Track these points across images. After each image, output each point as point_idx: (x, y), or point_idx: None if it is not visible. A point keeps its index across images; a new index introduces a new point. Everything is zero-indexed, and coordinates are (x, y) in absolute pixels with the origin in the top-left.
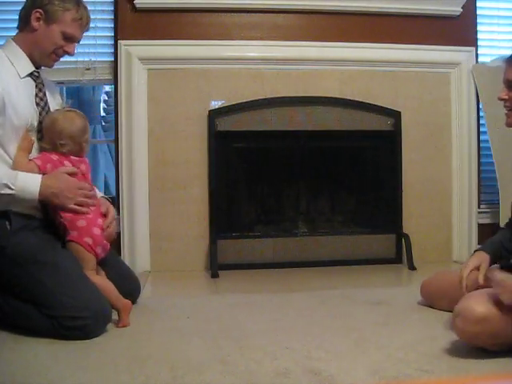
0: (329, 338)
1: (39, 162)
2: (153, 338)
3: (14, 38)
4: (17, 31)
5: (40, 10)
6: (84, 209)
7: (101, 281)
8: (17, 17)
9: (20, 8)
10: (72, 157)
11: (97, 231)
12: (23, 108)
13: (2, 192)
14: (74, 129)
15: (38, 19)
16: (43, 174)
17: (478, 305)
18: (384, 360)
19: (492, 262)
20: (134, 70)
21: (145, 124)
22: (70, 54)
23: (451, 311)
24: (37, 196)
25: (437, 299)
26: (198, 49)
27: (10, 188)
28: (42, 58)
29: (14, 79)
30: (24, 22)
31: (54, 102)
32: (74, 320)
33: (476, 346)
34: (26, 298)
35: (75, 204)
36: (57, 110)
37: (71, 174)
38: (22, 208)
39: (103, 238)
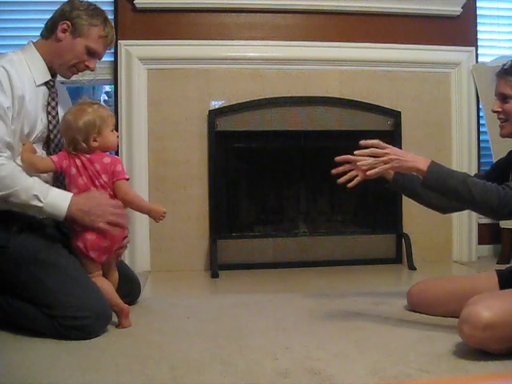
0: (329, 337)
1: (56, 158)
2: (153, 338)
3: (36, 44)
4: (39, 38)
5: (68, 22)
6: (116, 229)
7: (99, 283)
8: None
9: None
10: (83, 155)
11: (90, 236)
12: (34, 117)
13: (32, 203)
14: (80, 124)
15: (65, 31)
16: (61, 173)
17: (486, 310)
18: (384, 360)
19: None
20: (134, 70)
21: (145, 124)
22: (91, 69)
23: (445, 316)
24: (64, 213)
25: (430, 306)
26: (198, 49)
27: (39, 200)
28: (61, 69)
29: (30, 86)
30: (49, 31)
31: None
32: (75, 320)
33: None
34: (26, 298)
35: (106, 223)
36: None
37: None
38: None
39: (101, 242)
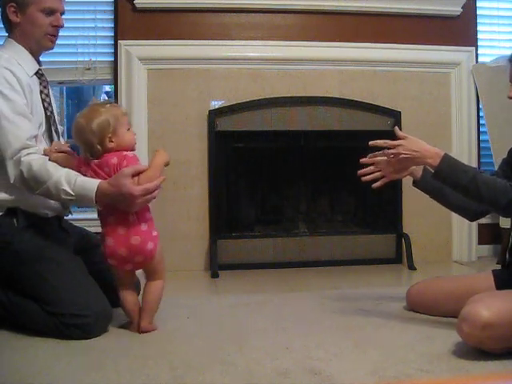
0: (329, 338)
1: (76, 161)
2: (153, 338)
3: (12, 39)
4: (8, 35)
5: (12, 4)
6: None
7: (123, 296)
8: None
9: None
10: (93, 162)
11: (109, 241)
12: (39, 108)
13: (63, 197)
14: (94, 126)
15: (15, 13)
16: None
17: (485, 310)
18: (384, 360)
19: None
20: (134, 70)
21: (145, 124)
22: (60, 25)
23: (444, 316)
24: (94, 203)
25: (429, 306)
26: (198, 49)
27: (69, 194)
28: (39, 45)
29: (27, 80)
30: (7, 23)
31: (55, 100)
32: (75, 318)
33: (481, 350)
34: (28, 295)
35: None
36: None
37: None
38: (30, 207)
39: (117, 249)
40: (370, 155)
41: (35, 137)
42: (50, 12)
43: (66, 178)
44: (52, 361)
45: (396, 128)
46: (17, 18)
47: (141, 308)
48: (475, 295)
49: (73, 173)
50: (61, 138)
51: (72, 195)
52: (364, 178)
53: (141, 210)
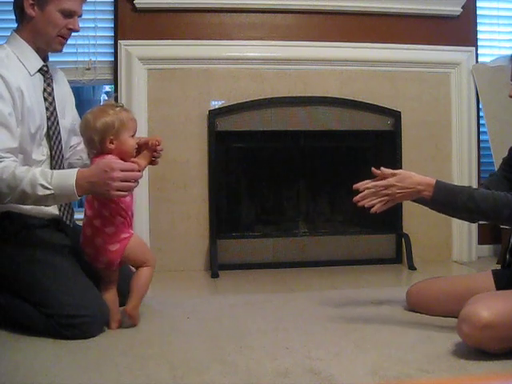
0: (329, 338)
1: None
2: (153, 338)
3: (18, 33)
4: (16, 27)
5: None
6: (123, 193)
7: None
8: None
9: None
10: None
11: (86, 232)
12: (38, 111)
13: (41, 193)
14: (98, 124)
15: (32, 6)
16: None
17: (485, 310)
18: (384, 360)
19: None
20: (134, 70)
21: (145, 124)
22: (76, 30)
23: (443, 316)
24: (74, 191)
25: (429, 306)
26: (198, 49)
27: (46, 188)
28: (48, 45)
29: (26, 79)
30: (20, 15)
31: (62, 93)
32: (72, 318)
33: (481, 350)
34: (24, 297)
35: (118, 190)
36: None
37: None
38: (26, 211)
39: (85, 248)
40: (359, 196)
41: (13, 149)
42: (69, 14)
43: (42, 174)
44: (52, 361)
45: (382, 168)
46: (33, 11)
47: (129, 293)
48: (475, 295)
49: (48, 169)
50: (63, 135)
51: (50, 188)
52: (361, 203)
53: (114, 211)
